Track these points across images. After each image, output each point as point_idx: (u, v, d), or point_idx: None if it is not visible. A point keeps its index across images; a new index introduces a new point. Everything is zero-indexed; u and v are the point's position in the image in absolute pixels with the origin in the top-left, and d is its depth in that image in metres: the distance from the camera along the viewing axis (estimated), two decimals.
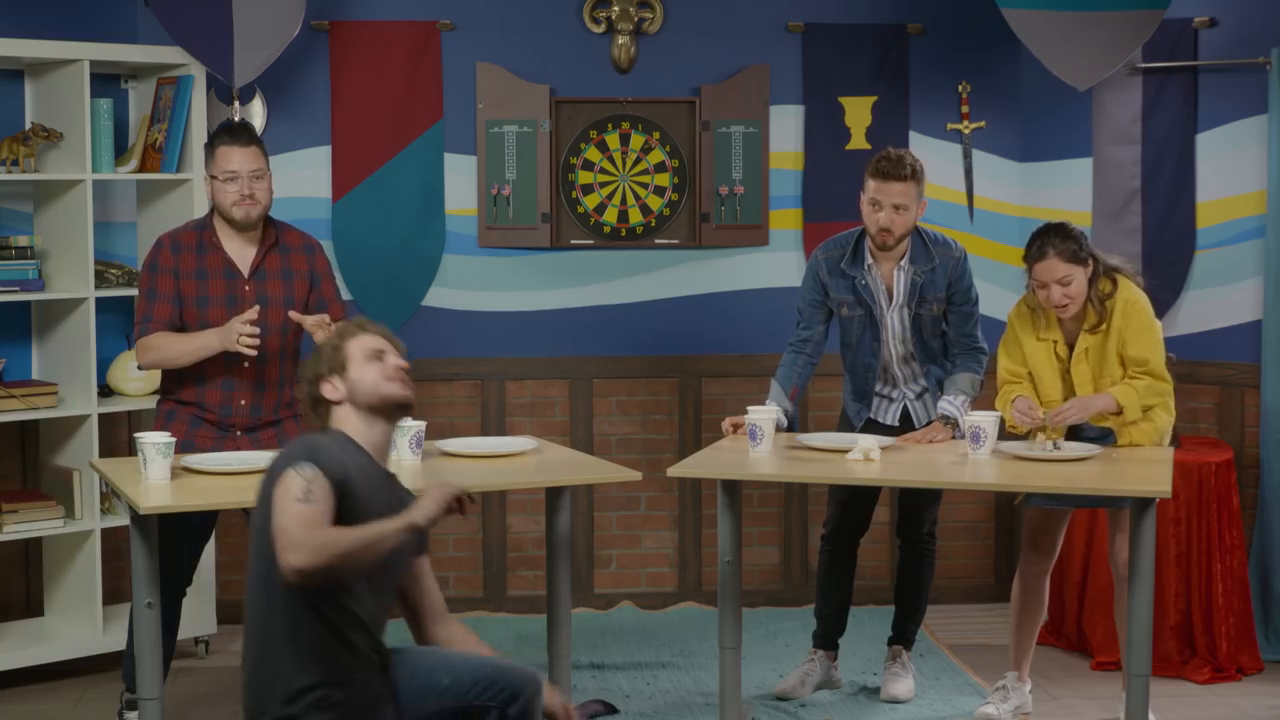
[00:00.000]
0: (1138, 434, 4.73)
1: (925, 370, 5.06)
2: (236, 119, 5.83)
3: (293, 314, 4.64)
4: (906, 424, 5.05)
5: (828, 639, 5.26)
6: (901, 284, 4.97)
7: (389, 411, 3.59)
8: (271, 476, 3.38)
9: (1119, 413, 4.66)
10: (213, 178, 4.69)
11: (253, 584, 3.44)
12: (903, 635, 5.27)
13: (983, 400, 5.11)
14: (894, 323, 5.00)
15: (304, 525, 3.25)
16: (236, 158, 4.66)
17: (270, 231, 4.77)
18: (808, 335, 5.09)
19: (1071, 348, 4.77)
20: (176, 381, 4.73)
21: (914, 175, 4.89)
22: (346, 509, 3.36)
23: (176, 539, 4.54)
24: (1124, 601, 4.74)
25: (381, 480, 3.54)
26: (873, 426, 5.06)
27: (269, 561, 3.32)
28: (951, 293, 4.99)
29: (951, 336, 5.03)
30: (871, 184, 4.90)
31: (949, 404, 4.90)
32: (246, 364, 4.67)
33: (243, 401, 4.72)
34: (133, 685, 4.48)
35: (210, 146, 4.73)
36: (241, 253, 4.73)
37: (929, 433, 4.86)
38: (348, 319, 3.65)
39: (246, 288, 4.71)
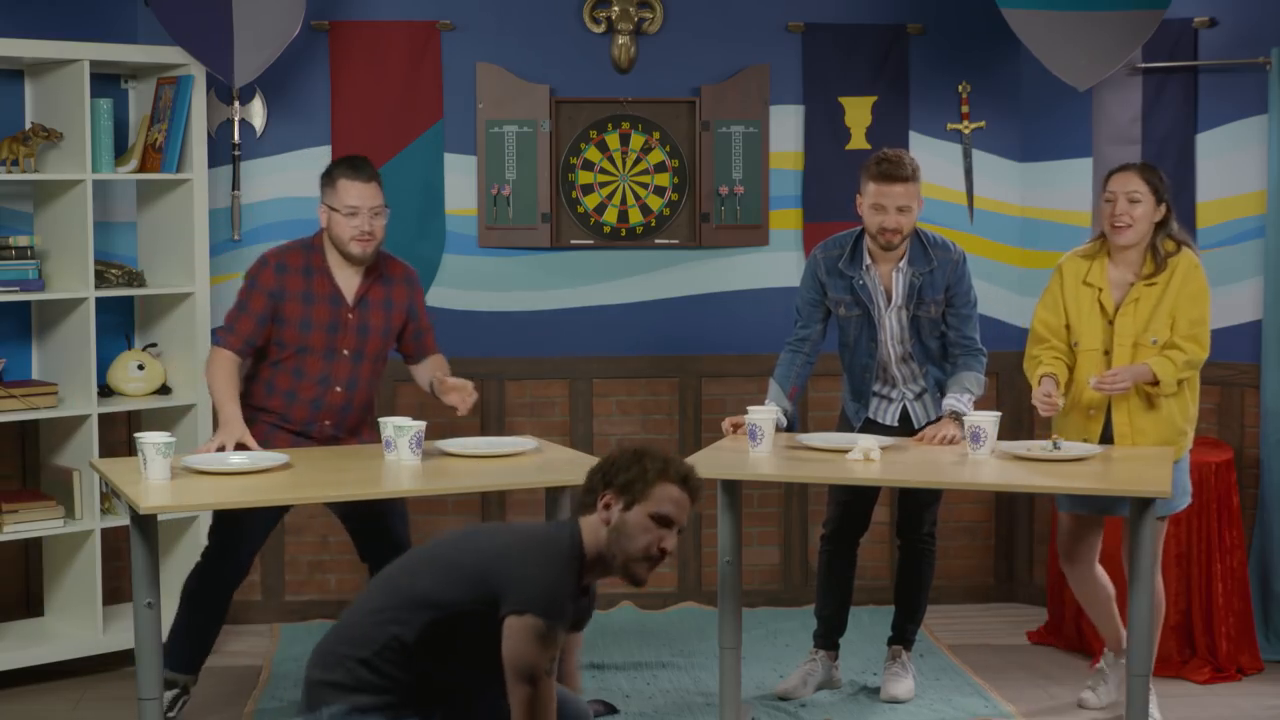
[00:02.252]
0: (1145, 423, 4.75)
1: (924, 371, 5.06)
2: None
3: (439, 376, 4.83)
4: (905, 424, 5.05)
5: (828, 639, 5.26)
6: (900, 285, 4.97)
7: (613, 574, 3.52)
8: (515, 586, 3.35)
9: (1155, 383, 4.69)
10: (331, 209, 4.73)
11: (392, 591, 3.46)
12: (903, 635, 5.27)
13: (984, 399, 5.11)
14: (891, 323, 5.00)
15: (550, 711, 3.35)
16: (357, 193, 4.71)
17: (375, 261, 4.82)
18: (806, 334, 5.09)
19: (1117, 304, 4.78)
20: (266, 392, 4.79)
21: (915, 175, 4.91)
22: None
23: (237, 541, 4.70)
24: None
25: (578, 597, 3.51)
26: (871, 426, 5.05)
27: (427, 594, 3.40)
28: (950, 295, 4.99)
29: (951, 339, 5.03)
30: (873, 187, 4.89)
31: (956, 400, 4.89)
32: (339, 389, 4.78)
33: (327, 422, 4.82)
34: (173, 665, 4.72)
35: (330, 177, 4.77)
36: (347, 280, 4.79)
37: (940, 429, 4.83)
38: (680, 460, 3.57)
39: (350, 315, 4.77)
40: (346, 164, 4.80)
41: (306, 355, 4.75)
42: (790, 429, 4.98)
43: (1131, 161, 4.91)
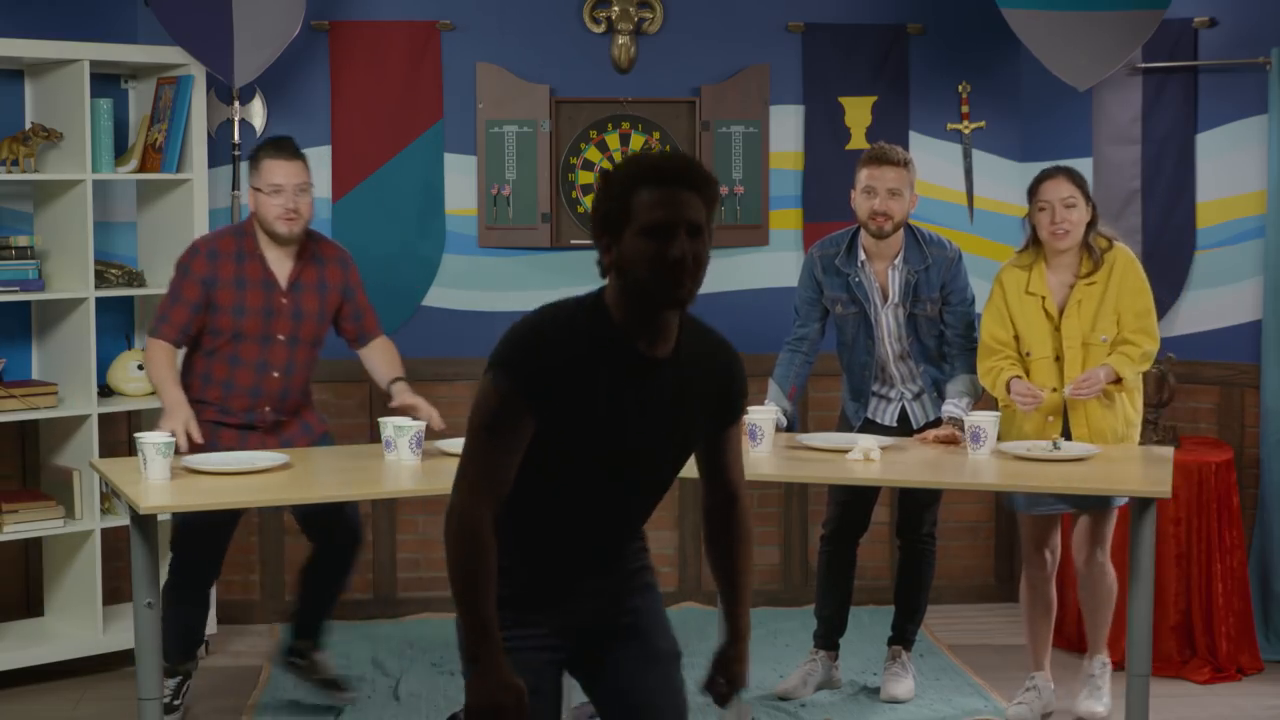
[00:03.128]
0: (1102, 423, 4.77)
1: (921, 370, 5.06)
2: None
3: (401, 394, 4.76)
4: (904, 424, 5.05)
5: (828, 639, 5.26)
6: (895, 283, 4.97)
7: (648, 308, 2.84)
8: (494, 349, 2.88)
9: (1118, 381, 4.72)
10: (256, 190, 4.73)
11: None
12: (903, 635, 5.27)
13: (983, 400, 5.11)
14: (888, 321, 5.00)
15: (473, 485, 2.82)
16: (281, 171, 4.69)
17: (307, 243, 4.82)
18: (804, 333, 5.09)
19: (1061, 307, 4.80)
20: (203, 384, 4.78)
21: (906, 164, 4.92)
22: (556, 418, 2.82)
23: (201, 555, 4.74)
24: (1089, 587, 4.96)
25: (630, 374, 2.86)
26: (870, 427, 5.05)
27: None
28: (946, 293, 4.99)
29: (949, 337, 5.03)
30: (864, 172, 4.91)
31: (955, 405, 4.89)
32: (276, 374, 4.76)
33: (267, 408, 4.81)
34: (171, 658, 4.76)
35: (254, 159, 4.78)
36: (280, 264, 4.77)
37: (944, 433, 4.83)
38: (654, 152, 2.91)
39: (283, 300, 4.76)
40: (270, 143, 4.80)
41: (241, 342, 4.74)
42: (790, 429, 4.98)
43: (1054, 167, 4.89)
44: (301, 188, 4.72)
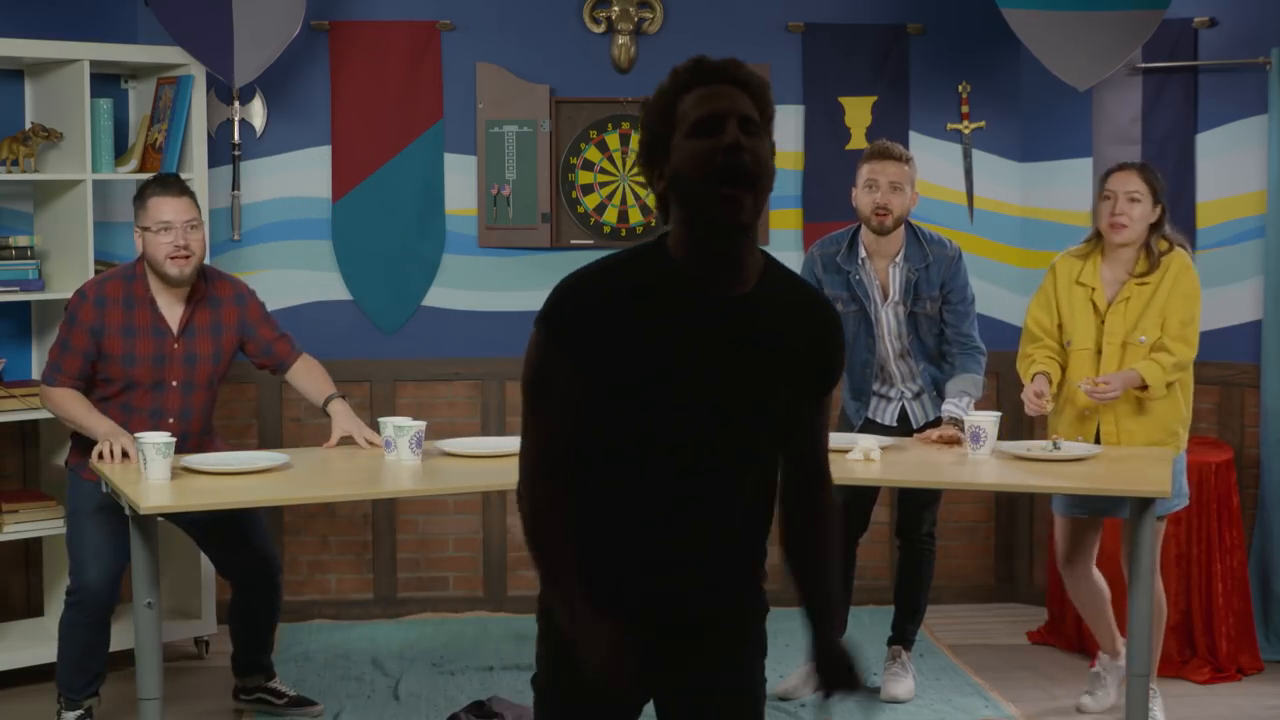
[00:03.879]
0: (1133, 426, 4.73)
1: (921, 369, 5.06)
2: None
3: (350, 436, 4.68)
4: (904, 424, 5.05)
5: None
6: (896, 281, 4.98)
7: (707, 225, 2.48)
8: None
9: (1144, 388, 4.67)
10: (144, 229, 4.57)
11: None
12: (903, 635, 5.27)
13: (984, 399, 5.11)
14: (888, 319, 5.01)
15: (532, 460, 2.55)
16: (169, 208, 4.54)
17: (199, 284, 4.67)
18: None
19: (1109, 302, 4.78)
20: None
21: (908, 160, 4.94)
22: (607, 372, 2.51)
23: (98, 579, 4.60)
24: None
25: (694, 316, 2.50)
26: (871, 427, 5.06)
27: None
28: (946, 291, 4.99)
29: (949, 336, 5.03)
30: (866, 167, 4.93)
31: (954, 405, 4.89)
32: (171, 420, 4.63)
33: None
34: (70, 692, 4.70)
35: (140, 197, 4.62)
36: (170, 308, 4.63)
37: (944, 432, 4.83)
38: (685, 62, 2.53)
39: (175, 345, 4.63)
40: (156, 181, 4.65)
41: (134, 390, 4.60)
42: None
43: (1131, 160, 4.91)
44: (192, 224, 4.56)
